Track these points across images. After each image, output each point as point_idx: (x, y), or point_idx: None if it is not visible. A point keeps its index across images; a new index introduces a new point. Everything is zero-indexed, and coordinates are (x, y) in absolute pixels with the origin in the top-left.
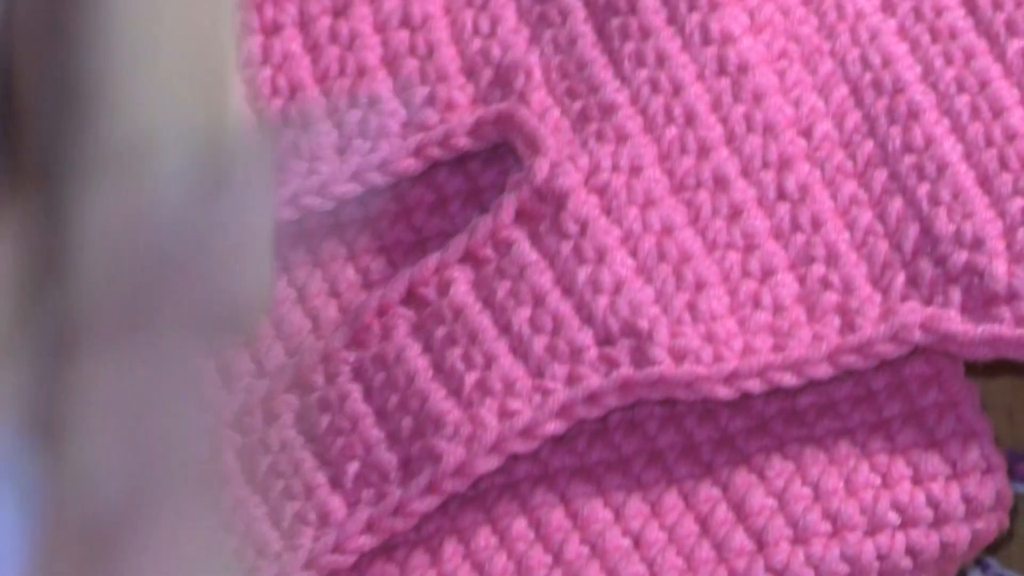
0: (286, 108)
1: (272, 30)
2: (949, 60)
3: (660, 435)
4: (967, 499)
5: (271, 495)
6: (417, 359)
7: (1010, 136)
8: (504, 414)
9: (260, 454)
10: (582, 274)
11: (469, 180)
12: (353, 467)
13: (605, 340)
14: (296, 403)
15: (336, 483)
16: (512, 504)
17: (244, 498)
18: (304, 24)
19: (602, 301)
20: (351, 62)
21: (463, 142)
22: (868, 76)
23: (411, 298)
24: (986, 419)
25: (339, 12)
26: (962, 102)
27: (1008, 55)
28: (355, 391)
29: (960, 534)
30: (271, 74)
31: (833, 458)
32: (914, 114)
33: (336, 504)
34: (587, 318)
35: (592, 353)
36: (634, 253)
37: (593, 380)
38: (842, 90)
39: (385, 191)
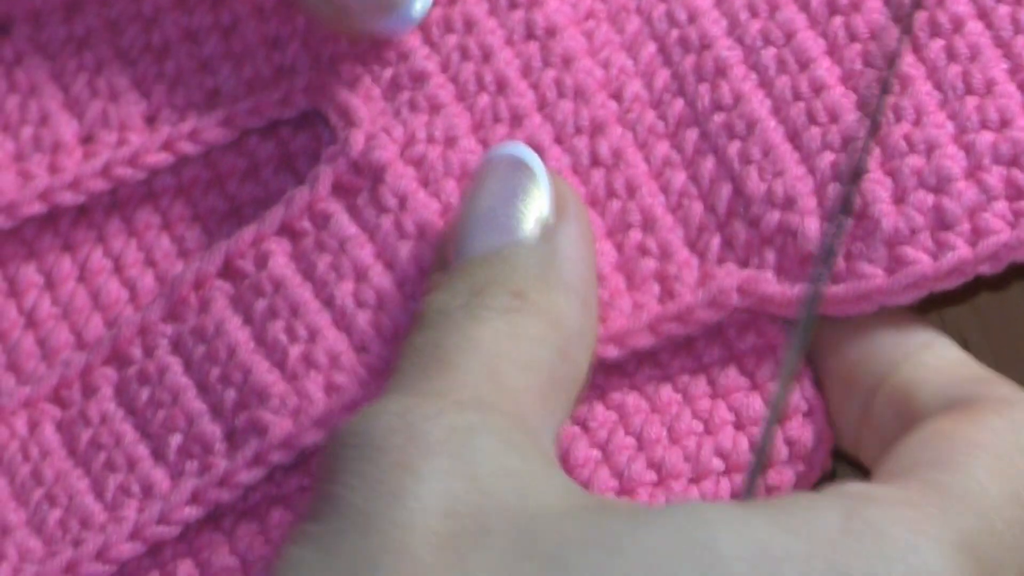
0: (92, 81)
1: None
2: (754, 12)
3: None
4: (789, 442)
5: (93, 467)
6: (238, 331)
7: (817, 88)
8: (330, 388)
9: (80, 427)
10: (404, 249)
11: (281, 146)
12: (176, 439)
13: None
14: (115, 376)
15: (159, 455)
16: None
17: (66, 471)
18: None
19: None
20: (156, 35)
21: (273, 111)
22: (675, 33)
23: (228, 270)
24: (804, 361)
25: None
26: (768, 55)
27: (812, 3)
28: (175, 364)
29: (784, 477)
30: (76, 48)
31: (655, 406)
32: (721, 70)
33: (159, 476)
34: (411, 295)
35: None
36: None
37: None
38: (650, 48)
39: (197, 159)
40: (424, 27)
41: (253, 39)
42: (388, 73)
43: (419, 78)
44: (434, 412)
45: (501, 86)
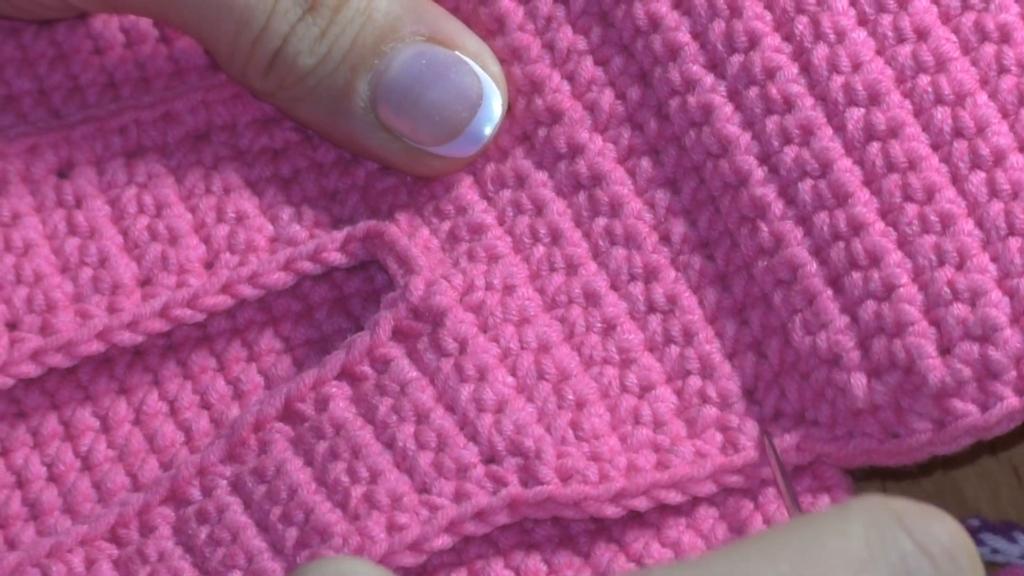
0: (152, 225)
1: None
2: (787, 138)
3: (537, 529)
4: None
5: None
6: (299, 472)
7: (856, 227)
8: (392, 527)
9: (138, 564)
10: (464, 392)
11: (334, 288)
12: None
13: (491, 458)
14: (173, 515)
15: None
16: None
17: None
18: (165, 148)
19: (486, 420)
20: (217, 181)
21: (333, 257)
22: (710, 165)
23: (288, 414)
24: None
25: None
26: (805, 188)
27: (848, 128)
28: (234, 503)
29: None
30: (136, 192)
31: (711, 543)
32: (760, 209)
33: None
34: (472, 435)
35: (479, 471)
36: (514, 371)
37: (481, 497)
38: (691, 183)
39: (252, 302)
40: (480, 182)
41: (313, 191)
42: (446, 226)
43: (477, 230)
44: None
45: (555, 236)
